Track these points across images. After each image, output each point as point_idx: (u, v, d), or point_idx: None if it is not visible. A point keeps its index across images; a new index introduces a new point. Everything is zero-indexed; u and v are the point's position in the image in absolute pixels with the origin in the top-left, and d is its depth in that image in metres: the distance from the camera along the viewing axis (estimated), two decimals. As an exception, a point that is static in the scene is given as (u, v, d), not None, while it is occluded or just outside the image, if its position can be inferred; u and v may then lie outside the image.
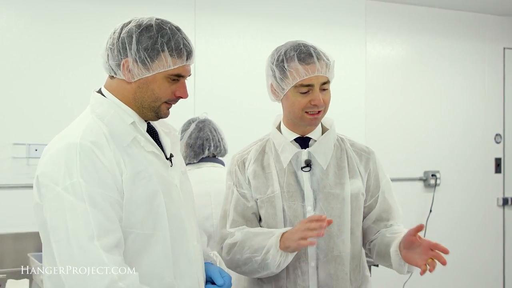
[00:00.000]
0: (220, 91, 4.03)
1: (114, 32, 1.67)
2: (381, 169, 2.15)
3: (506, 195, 5.08)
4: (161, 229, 1.63)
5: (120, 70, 1.64)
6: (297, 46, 1.99)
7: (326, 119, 2.14)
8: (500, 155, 5.08)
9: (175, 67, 1.64)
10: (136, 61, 1.61)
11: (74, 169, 1.51)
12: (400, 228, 2.08)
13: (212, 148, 2.71)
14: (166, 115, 1.72)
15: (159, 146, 1.74)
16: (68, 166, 1.52)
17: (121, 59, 1.63)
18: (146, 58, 1.61)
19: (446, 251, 1.81)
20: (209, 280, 1.83)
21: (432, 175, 4.77)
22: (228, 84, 4.08)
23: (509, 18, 5.09)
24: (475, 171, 4.98)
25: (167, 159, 1.75)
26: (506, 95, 5.10)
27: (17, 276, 2.97)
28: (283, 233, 1.91)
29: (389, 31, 4.69)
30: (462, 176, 4.91)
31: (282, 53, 1.99)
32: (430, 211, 4.73)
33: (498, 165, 5.06)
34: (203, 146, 2.69)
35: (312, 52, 1.97)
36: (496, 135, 5.06)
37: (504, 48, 5.09)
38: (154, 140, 1.72)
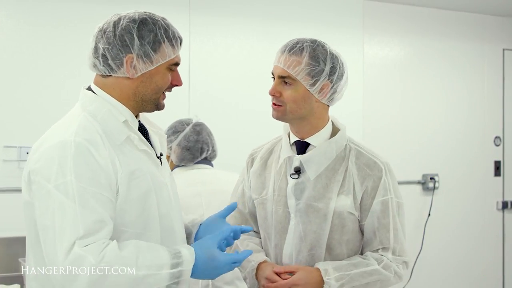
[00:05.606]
0: (215, 92, 3.99)
1: (104, 32, 1.65)
2: (384, 189, 1.93)
3: (506, 199, 5.03)
4: (152, 229, 1.63)
5: (123, 67, 1.62)
6: (295, 38, 1.95)
7: (338, 124, 2.05)
8: (499, 158, 5.03)
9: (174, 56, 1.67)
10: (141, 56, 1.61)
11: (67, 168, 1.48)
12: (371, 262, 1.88)
13: (210, 151, 2.72)
14: (163, 106, 1.73)
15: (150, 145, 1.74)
16: (61, 164, 1.49)
17: (123, 56, 1.61)
18: (150, 51, 1.62)
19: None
20: None
21: (431, 178, 4.71)
22: (223, 85, 4.04)
23: (508, 19, 5.06)
24: (474, 174, 4.93)
25: (158, 157, 1.74)
26: (506, 97, 5.06)
27: (8, 281, 2.94)
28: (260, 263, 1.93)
29: (387, 32, 4.65)
30: (461, 179, 4.86)
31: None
32: (429, 215, 4.67)
33: (498, 168, 5.01)
34: (202, 149, 2.69)
35: (291, 44, 1.90)
36: (496, 137, 5.02)
37: (504, 49, 5.04)
38: (145, 138, 1.71)
